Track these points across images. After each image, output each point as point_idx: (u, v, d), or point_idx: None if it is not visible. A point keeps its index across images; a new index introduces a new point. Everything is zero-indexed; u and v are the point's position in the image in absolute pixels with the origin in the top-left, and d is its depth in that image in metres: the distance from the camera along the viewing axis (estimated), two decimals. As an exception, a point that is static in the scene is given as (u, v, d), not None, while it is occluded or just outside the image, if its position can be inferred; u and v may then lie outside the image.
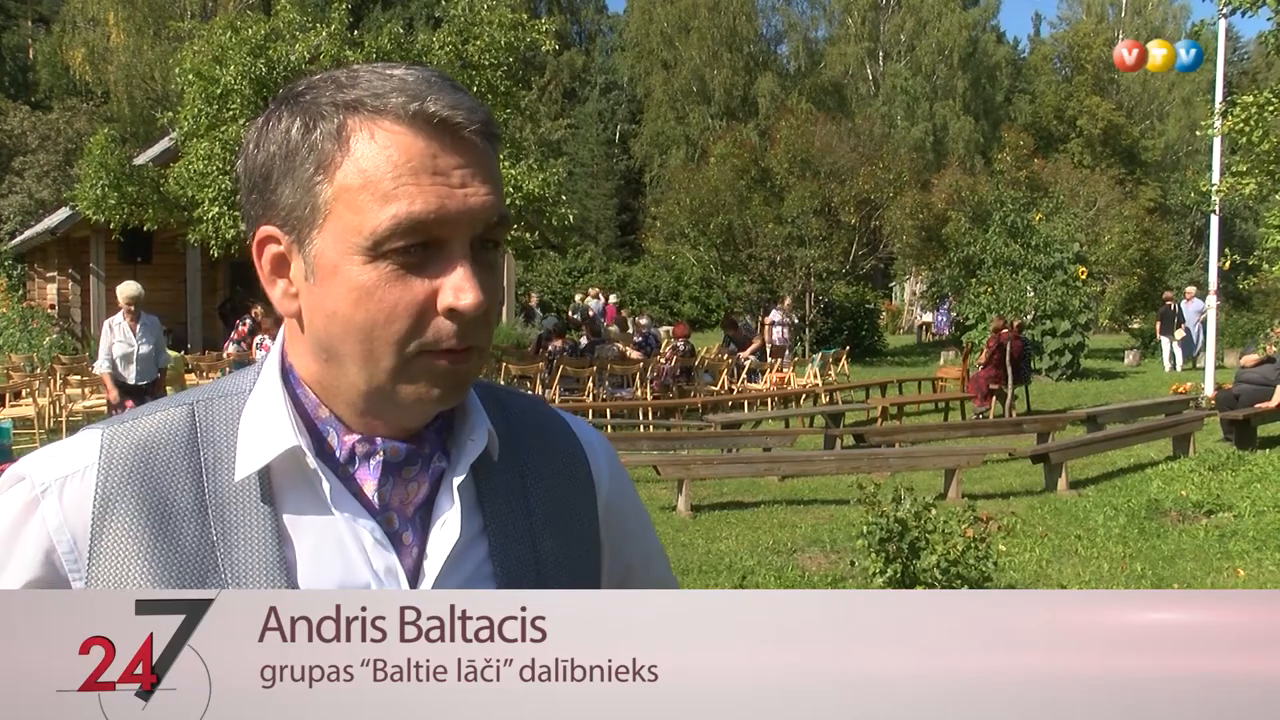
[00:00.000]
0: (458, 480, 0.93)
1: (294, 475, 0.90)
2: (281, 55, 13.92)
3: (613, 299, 28.72)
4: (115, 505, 0.86)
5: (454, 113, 0.85)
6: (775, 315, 20.59)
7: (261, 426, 0.90)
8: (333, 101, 0.86)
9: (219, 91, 13.95)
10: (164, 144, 19.29)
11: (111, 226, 15.44)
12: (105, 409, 11.76)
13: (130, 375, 9.17)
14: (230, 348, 14.95)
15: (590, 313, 21.54)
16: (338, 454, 0.91)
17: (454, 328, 0.86)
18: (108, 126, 21.06)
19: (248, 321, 14.50)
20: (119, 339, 9.14)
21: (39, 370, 14.88)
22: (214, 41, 14.34)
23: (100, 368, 9.37)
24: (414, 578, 0.91)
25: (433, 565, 0.91)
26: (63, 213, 19.55)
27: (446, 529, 0.92)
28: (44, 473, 0.88)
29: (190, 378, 12.98)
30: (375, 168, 0.84)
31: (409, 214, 0.83)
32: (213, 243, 14.49)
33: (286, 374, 0.93)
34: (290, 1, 14.83)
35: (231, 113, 13.94)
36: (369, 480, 0.91)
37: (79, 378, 12.56)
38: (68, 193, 17.67)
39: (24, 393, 12.15)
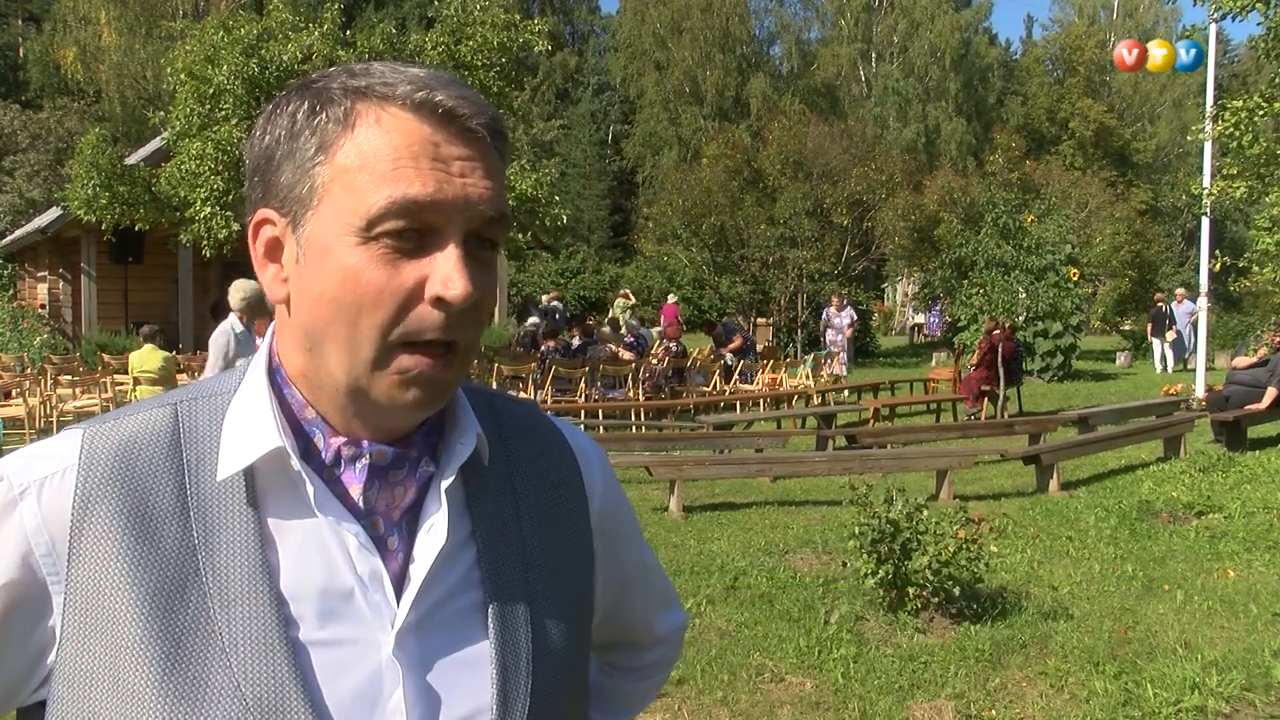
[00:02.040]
0: (445, 484, 0.91)
1: (278, 477, 0.88)
2: (274, 55, 13.90)
3: (671, 298, 26.59)
4: (95, 507, 0.84)
5: (460, 103, 0.86)
6: (834, 316, 20.66)
7: (246, 427, 0.88)
8: (343, 87, 0.87)
9: (211, 91, 13.93)
10: (155, 144, 19.23)
11: (103, 226, 15.41)
12: (99, 409, 11.72)
13: None
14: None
15: (557, 315, 21.46)
16: (323, 456, 0.90)
17: (440, 318, 0.84)
18: (99, 126, 21.02)
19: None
20: (244, 350, 7.51)
21: (29, 370, 14.83)
22: (206, 41, 14.31)
23: None
24: (399, 583, 0.89)
25: (418, 570, 0.89)
26: (53, 212, 19.48)
27: (433, 534, 0.90)
28: (23, 474, 0.86)
29: (182, 378, 12.93)
30: (375, 150, 0.84)
31: (405, 195, 0.82)
32: (204, 243, 14.46)
33: (274, 373, 0.92)
34: (282, 1, 14.80)
35: (224, 113, 13.91)
36: (354, 484, 0.90)
37: (70, 378, 12.52)
38: (58, 192, 17.64)
39: (14, 393, 12.09)
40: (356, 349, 0.85)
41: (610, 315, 23.61)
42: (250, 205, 0.91)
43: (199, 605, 0.83)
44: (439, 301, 0.84)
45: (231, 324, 7.51)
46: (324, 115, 0.86)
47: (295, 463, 0.87)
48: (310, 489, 0.87)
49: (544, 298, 26.40)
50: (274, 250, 0.90)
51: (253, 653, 0.83)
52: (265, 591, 0.85)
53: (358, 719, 0.85)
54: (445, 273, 0.84)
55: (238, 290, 7.61)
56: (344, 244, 0.84)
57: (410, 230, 0.84)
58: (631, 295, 28.60)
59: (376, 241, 0.83)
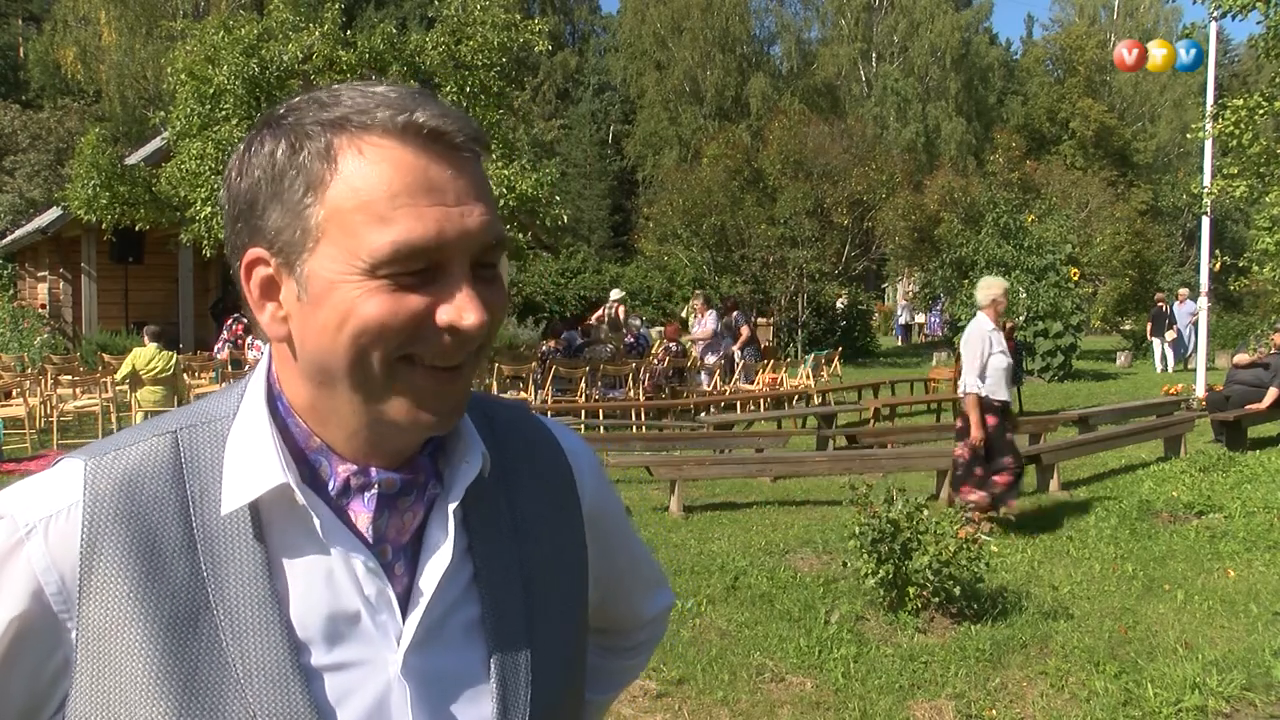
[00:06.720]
0: (452, 507, 0.92)
1: (284, 508, 0.87)
2: (274, 55, 13.89)
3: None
4: (103, 543, 0.83)
5: (442, 122, 0.83)
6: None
7: (248, 459, 0.87)
8: (317, 121, 0.84)
9: (211, 91, 13.91)
10: (156, 143, 19.23)
11: (103, 226, 15.39)
12: (99, 409, 11.71)
13: (1004, 394, 7.42)
14: (222, 347, 14.92)
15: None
16: (330, 485, 0.90)
17: (449, 345, 0.84)
18: (99, 126, 20.97)
19: (243, 322, 14.45)
20: (998, 348, 7.33)
21: (30, 370, 14.82)
22: (206, 41, 14.30)
23: (972, 385, 7.32)
24: (404, 603, 0.90)
25: (426, 587, 0.90)
26: (54, 212, 19.46)
27: (440, 556, 0.91)
28: (27, 512, 0.85)
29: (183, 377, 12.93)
30: (368, 186, 0.82)
31: (408, 242, 0.81)
32: (205, 242, 14.45)
33: (275, 402, 0.91)
34: (283, 1, 14.79)
35: (224, 112, 13.90)
36: (363, 513, 0.90)
37: (70, 378, 12.51)
38: (59, 192, 17.61)
39: (14, 393, 12.09)
40: (368, 379, 0.84)
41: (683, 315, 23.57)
42: (235, 249, 0.89)
43: (210, 637, 0.84)
44: (452, 329, 0.84)
45: (982, 323, 7.34)
46: (305, 152, 0.83)
47: (299, 497, 0.86)
48: (317, 521, 0.87)
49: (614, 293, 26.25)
50: (270, 289, 0.87)
51: (266, 682, 0.83)
52: (275, 621, 0.85)
53: None
54: (459, 304, 0.84)
55: (990, 288, 7.41)
56: (348, 281, 0.83)
57: (415, 268, 0.83)
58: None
59: (381, 278, 0.82)
